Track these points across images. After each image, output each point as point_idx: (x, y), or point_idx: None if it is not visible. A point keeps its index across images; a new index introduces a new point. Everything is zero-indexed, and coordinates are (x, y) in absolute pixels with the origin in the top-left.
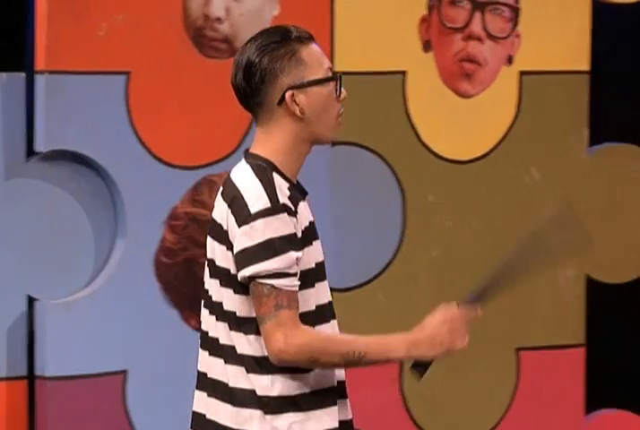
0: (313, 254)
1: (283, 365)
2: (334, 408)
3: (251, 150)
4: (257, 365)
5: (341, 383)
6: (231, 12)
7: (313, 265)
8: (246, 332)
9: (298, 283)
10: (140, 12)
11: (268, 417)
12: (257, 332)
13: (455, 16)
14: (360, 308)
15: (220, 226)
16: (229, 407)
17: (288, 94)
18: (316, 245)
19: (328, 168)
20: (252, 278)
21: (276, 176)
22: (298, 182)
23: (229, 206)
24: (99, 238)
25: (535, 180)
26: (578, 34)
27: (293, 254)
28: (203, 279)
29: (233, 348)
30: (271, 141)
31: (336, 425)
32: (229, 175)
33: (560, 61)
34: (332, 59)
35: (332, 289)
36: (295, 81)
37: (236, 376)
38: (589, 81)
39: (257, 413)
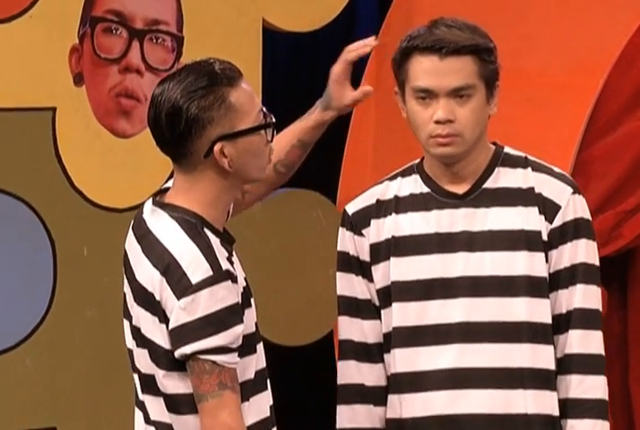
0: (252, 316)
1: None
2: None
3: (172, 200)
4: None
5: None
6: None
7: (254, 328)
8: (183, 412)
9: (238, 359)
10: None
11: None
12: (194, 411)
13: (110, 46)
14: (4, 376)
15: (152, 295)
16: None
17: (217, 147)
18: (253, 304)
19: None
20: (192, 354)
21: (208, 233)
22: (224, 229)
23: (164, 274)
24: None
25: None
26: (249, 65)
27: (238, 328)
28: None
29: (169, 426)
30: (194, 191)
31: None
32: (147, 228)
33: None
34: None
35: None
36: (224, 131)
37: None
38: None
39: None
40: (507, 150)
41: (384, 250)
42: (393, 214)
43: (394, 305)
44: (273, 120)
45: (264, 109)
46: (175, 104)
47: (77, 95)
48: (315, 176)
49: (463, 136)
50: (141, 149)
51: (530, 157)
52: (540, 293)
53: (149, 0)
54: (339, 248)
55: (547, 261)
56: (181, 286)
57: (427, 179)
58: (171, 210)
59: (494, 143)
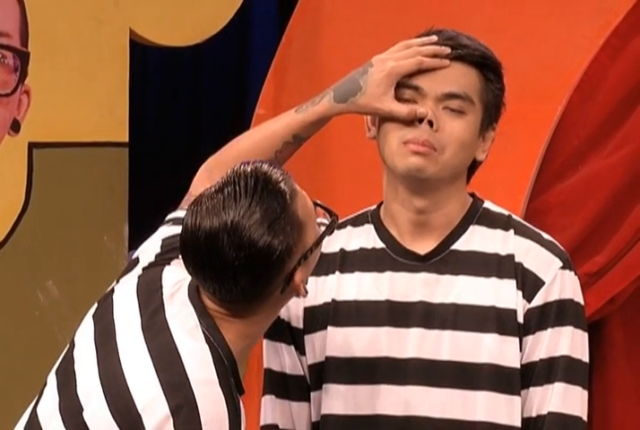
0: None
1: None
2: None
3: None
4: None
5: None
6: None
7: None
8: None
9: None
10: None
11: None
12: None
13: None
14: None
15: (138, 418)
16: None
17: (298, 278)
18: None
19: None
20: None
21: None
22: None
23: (174, 414)
24: None
25: (53, 298)
26: (113, 86)
27: None
28: None
29: None
30: (249, 330)
31: None
32: (164, 322)
33: (89, 128)
34: None
35: None
36: (299, 257)
37: None
38: (129, 158)
39: None
40: (488, 204)
41: (321, 316)
42: (337, 272)
43: (326, 386)
44: (337, 215)
45: (318, 202)
46: (253, 241)
47: None
48: None
49: (443, 154)
50: None
51: (514, 216)
52: (509, 388)
53: None
54: None
55: (521, 349)
56: None
57: (382, 231)
58: (209, 328)
59: (472, 195)
